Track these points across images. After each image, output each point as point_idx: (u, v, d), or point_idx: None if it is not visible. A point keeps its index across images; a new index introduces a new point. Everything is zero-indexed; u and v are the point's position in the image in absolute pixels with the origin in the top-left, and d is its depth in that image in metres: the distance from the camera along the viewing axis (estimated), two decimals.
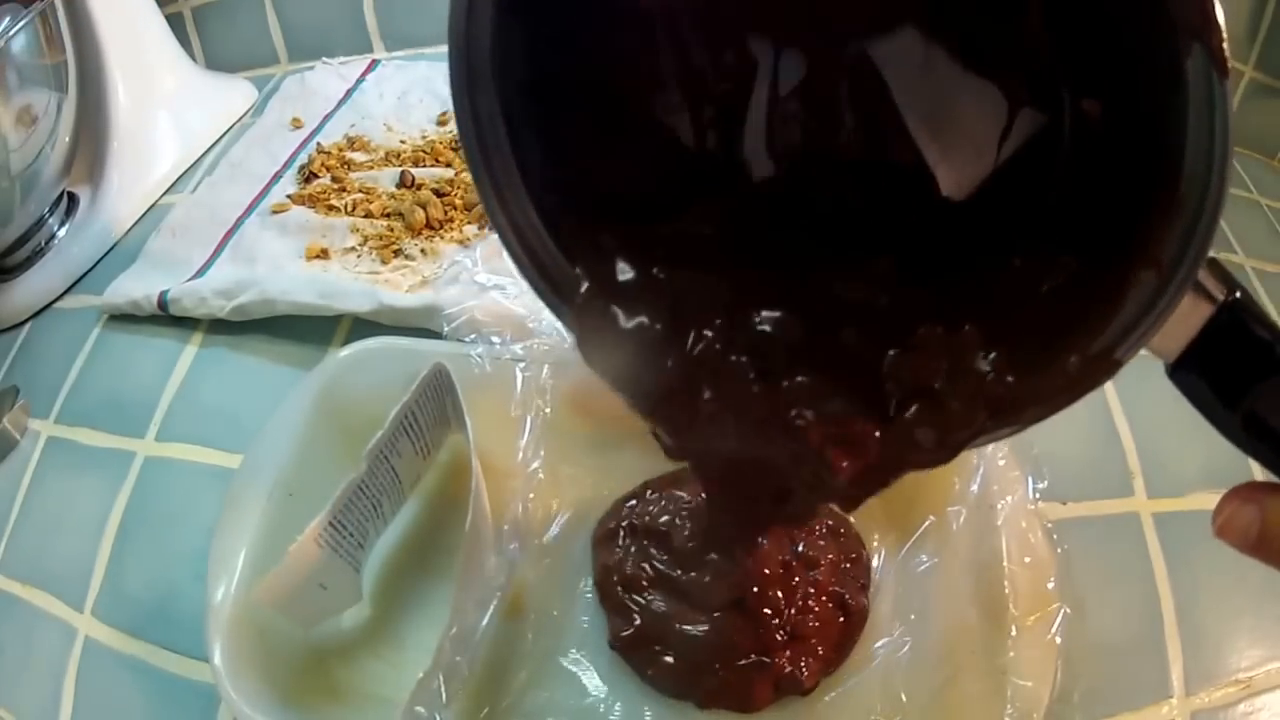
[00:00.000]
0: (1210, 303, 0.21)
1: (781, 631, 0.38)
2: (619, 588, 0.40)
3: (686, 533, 0.41)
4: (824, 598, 0.39)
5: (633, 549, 0.41)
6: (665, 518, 0.42)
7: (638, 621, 0.39)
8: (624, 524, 0.42)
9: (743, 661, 0.37)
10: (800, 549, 0.40)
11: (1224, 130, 0.18)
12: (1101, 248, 0.22)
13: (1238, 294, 0.21)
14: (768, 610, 0.38)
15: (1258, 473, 0.45)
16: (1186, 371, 0.23)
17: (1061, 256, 0.23)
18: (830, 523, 0.42)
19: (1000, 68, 0.24)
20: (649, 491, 0.44)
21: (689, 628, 0.39)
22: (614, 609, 0.40)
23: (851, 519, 0.42)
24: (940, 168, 0.25)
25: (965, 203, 0.26)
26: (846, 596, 0.39)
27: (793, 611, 0.38)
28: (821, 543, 0.41)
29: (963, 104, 0.25)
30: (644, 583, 0.40)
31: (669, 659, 0.38)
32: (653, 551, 0.41)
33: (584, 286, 0.25)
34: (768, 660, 0.37)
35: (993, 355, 0.23)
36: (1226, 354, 0.22)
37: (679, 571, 0.40)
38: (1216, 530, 0.24)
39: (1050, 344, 0.22)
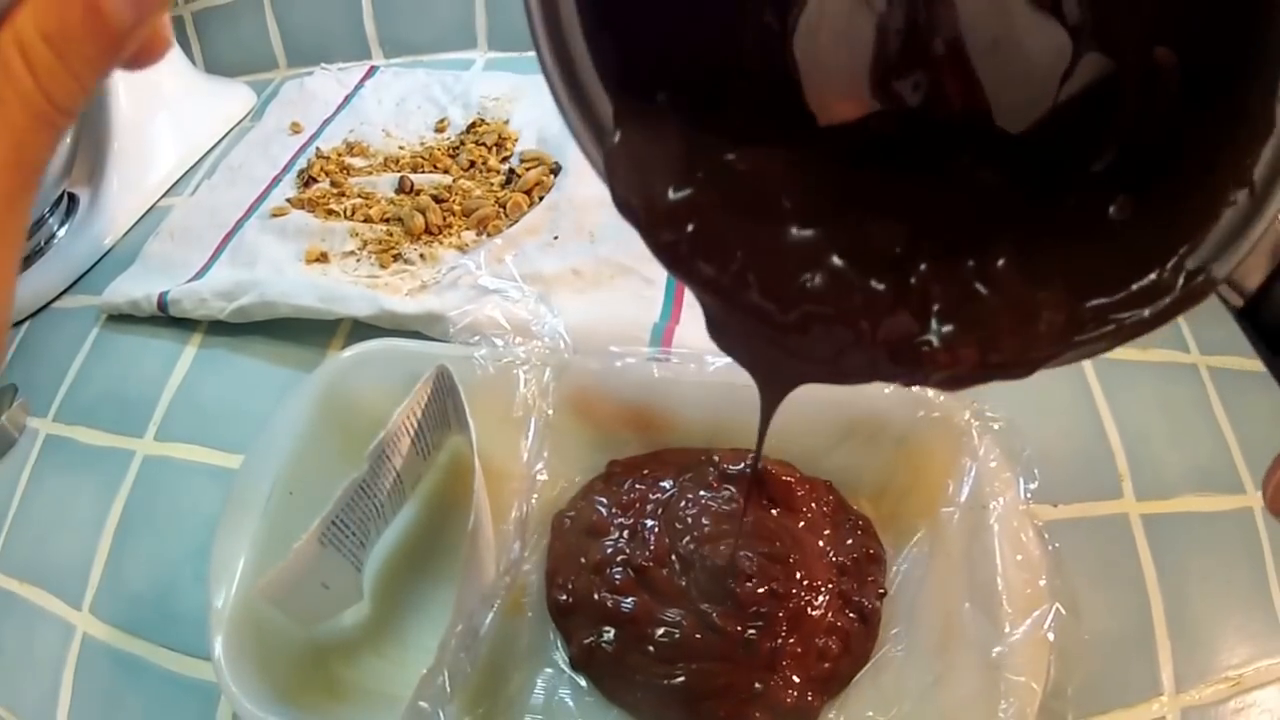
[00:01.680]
0: None
1: (798, 674, 0.37)
2: (562, 614, 0.40)
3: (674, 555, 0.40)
4: (847, 610, 0.38)
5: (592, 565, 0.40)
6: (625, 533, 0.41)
7: (588, 642, 0.38)
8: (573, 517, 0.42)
9: (746, 694, 0.36)
10: (836, 558, 0.40)
11: None
12: (1182, 170, 0.22)
13: None
14: (787, 661, 0.37)
15: (1245, 476, 0.46)
16: (1257, 314, 0.23)
17: (1122, 189, 0.23)
18: (852, 517, 0.42)
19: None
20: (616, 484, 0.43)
21: (666, 669, 0.37)
22: (566, 632, 0.40)
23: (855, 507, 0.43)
24: (997, 99, 0.25)
25: (1026, 131, 0.25)
26: (865, 604, 0.39)
27: (819, 642, 0.37)
28: (849, 540, 0.41)
29: (1027, 39, 0.24)
30: (604, 603, 0.39)
31: (641, 696, 0.37)
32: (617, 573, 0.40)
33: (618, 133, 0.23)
34: (778, 689, 0.36)
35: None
36: None
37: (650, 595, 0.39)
38: (1268, 501, 0.24)
39: (1143, 262, 0.22)
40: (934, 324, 0.23)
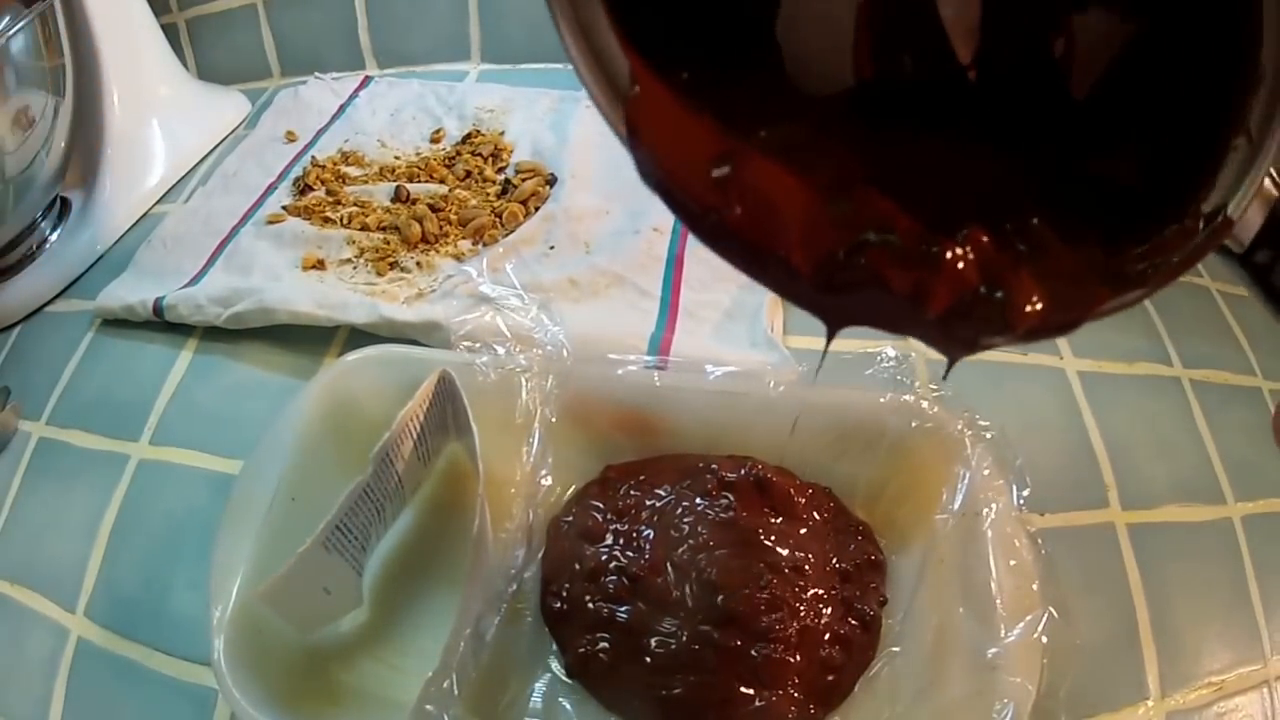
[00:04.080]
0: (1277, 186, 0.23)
1: (801, 690, 0.37)
2: (556, 622, 0.40)
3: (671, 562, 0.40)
4: (849, 617, 0.38)
5: (584, 571, 0.40)
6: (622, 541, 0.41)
7: (582, 650, 0.38)
8: (572, 521, 0.42)
9: (746, 708, 0.36)
10: (839, 565, 0.40)
11: None
12: (1184, 126, 0.24)
13: None
14: (792, 678, 0.37)
15: (1226, 487, 0.47)
16: (1258, 255, 0.24)
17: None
18: (853, 523, 0.42)
19: None
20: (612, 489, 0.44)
21: (663, 680, 0.37)
22: (561, 640, 0.39)
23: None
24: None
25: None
26: (867, 611, 0.39)
27: (822, 653, 0.37)
28: (851, 546, 0.41)
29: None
30: (599, 611, 0.39)
31: (638, 706, 0.37)
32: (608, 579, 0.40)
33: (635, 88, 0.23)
34: (780, 703, 0.36)
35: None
36: None
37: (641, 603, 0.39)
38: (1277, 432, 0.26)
39: (1164, 212, 0.24)
40: (984, 289, 0.23)
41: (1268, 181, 0.23)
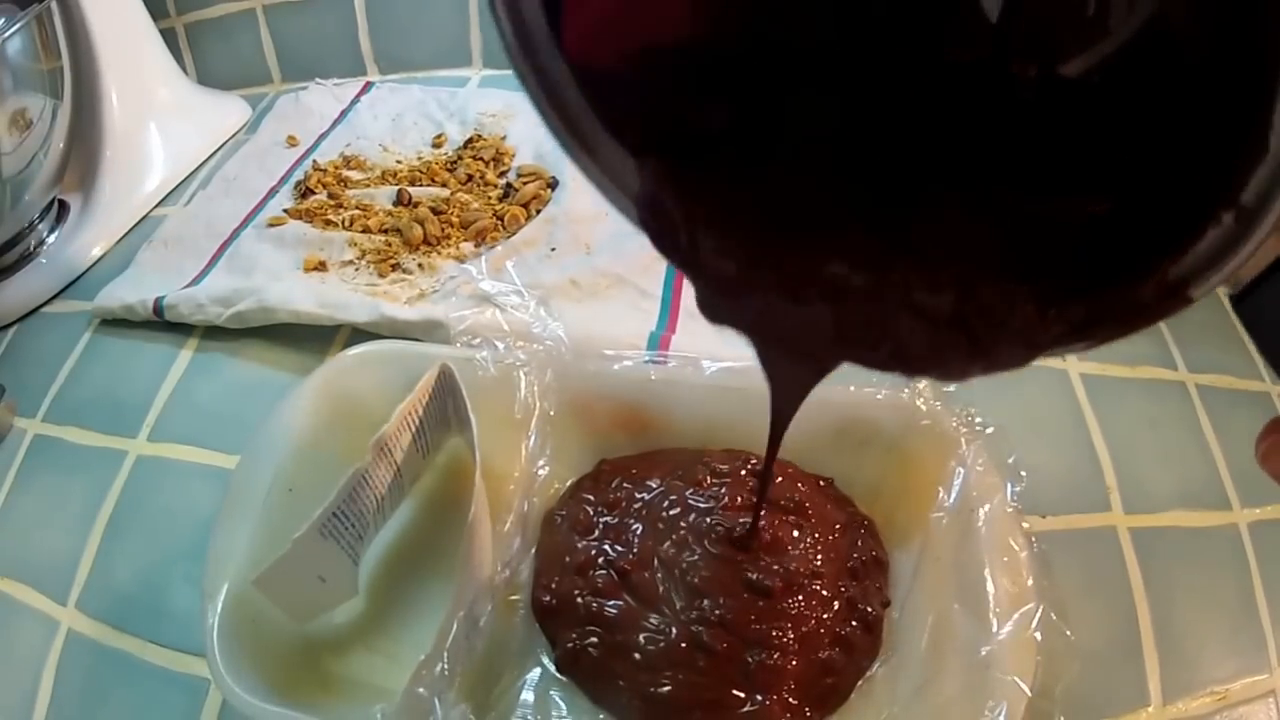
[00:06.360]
0: None
1: (797, 695, 0.36)
2: (546, 616, 0.39)
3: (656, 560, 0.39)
4: (852, 618, 0.37)
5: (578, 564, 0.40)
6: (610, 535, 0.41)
7: (571, 645, 0.38)
8: (565, 514, 0.42)
9: (736, 709, 0.35)
10: (844, 562, 0.39)
11: None
12: (1171, 183, 0.22)
13: None
14: (790, 684, 0.36)
15: (1232, 492, 0.47)
16: (1252, 302, 0.23)
17: (1093, 196, 0.23)
18: (858, 518, 0.42)
19: None
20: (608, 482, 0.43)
21: (651, 677, 0.36)
22: (550, 634, 0.39)
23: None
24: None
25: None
26: (869, 611, 0.38)
27: (822, 655, 0.36)
28: (859, 542, 0.40)
29: None
30: (588, 606, 0.38)
31: (626, 703, 0.36)
32: (600, 570, 0.39)
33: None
34: (773, 708, 0.35)
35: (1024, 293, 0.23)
36: None
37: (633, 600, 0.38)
38: (1260, 458, 0.24)
39: (1122, 270, 0.22)
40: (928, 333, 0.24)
41: None
